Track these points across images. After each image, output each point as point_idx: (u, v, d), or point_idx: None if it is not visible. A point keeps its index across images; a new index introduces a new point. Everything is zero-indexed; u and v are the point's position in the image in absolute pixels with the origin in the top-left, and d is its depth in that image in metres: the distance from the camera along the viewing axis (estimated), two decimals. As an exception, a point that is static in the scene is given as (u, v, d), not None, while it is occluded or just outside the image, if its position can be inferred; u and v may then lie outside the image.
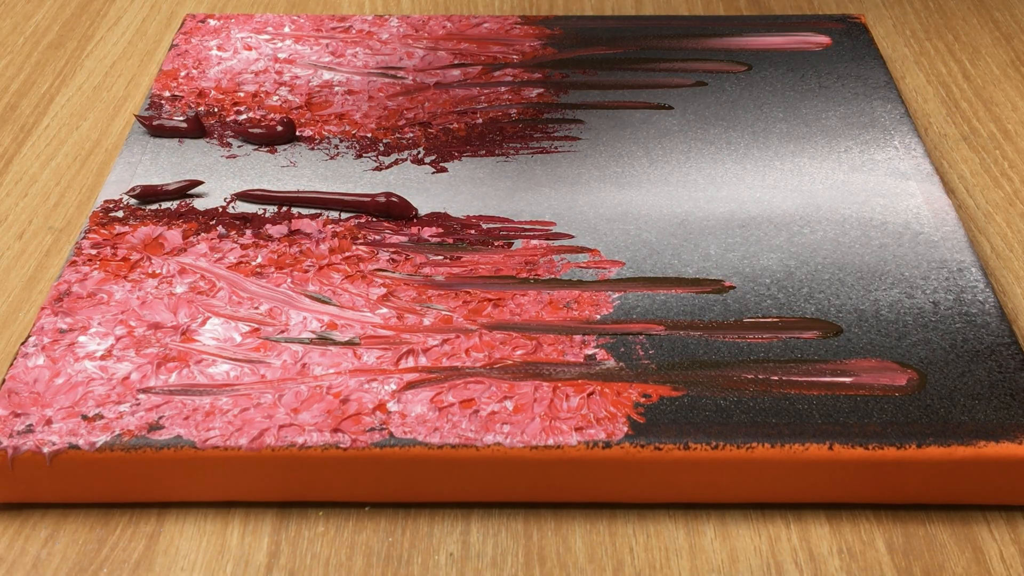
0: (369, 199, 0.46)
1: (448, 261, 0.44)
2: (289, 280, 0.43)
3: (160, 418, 0.38)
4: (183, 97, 0.54)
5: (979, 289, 0.43)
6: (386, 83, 0.55)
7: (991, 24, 0.65)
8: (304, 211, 0.47)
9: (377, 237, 0.45)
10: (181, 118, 0.52)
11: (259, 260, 0.44)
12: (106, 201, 0.47)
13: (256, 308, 0.42)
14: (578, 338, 0.41)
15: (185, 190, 0.47)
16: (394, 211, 0.45)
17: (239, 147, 0.51)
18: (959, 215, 0.48)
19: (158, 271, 0.44)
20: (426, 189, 0.48)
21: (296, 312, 0.42)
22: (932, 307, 0.42)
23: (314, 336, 0.41)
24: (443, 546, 0.37)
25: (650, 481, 0.37)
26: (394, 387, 0.39)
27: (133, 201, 0.47)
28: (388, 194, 0.46)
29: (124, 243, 0.45)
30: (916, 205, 0.47)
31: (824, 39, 0.58)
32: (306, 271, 0.44)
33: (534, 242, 0.45)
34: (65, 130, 0.56)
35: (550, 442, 0.37)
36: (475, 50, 0.57)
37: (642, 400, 0.38)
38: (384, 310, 0.42)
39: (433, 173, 0.49)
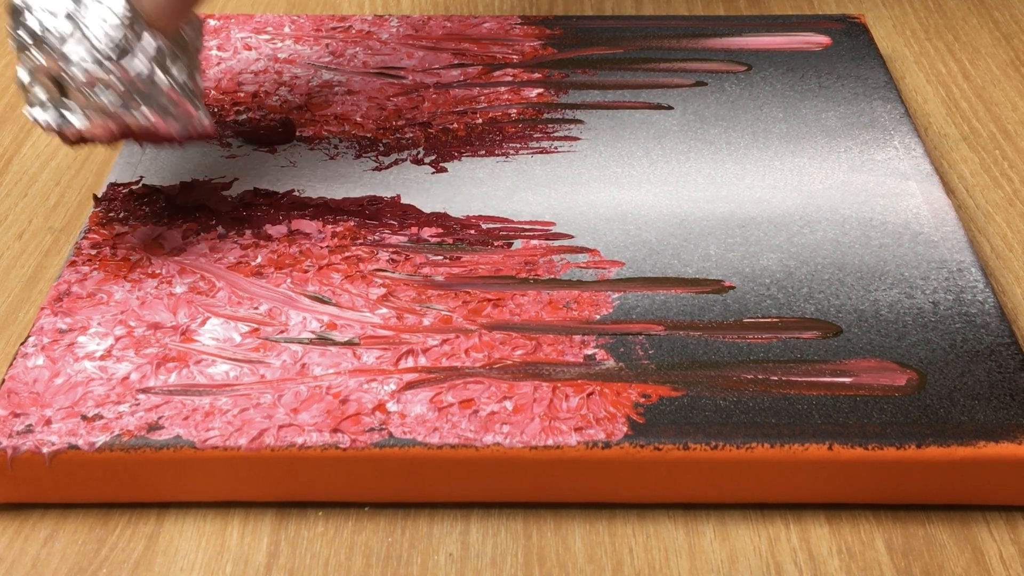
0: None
1: (448, 261, 0.44)
2: (289, 280, 0.43)
3: (160, 418, 0.38)
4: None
5: (979, 289, 0.43)
6: (386, 83, 0.55)
7: (991, 24, 0.65)
8: (303, 210, 0.47)
9: (377, 237, 0.45)
10: None
11: (259, 260, 0.44)
12: (109, 186, 0.47)
13: (256, 308, 0.42)
14: (578, 338, 0.41)
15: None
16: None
17: (239, 147, 0.51)
18: (959, 215, 0.48)
19: (158, 271, 0.44)
20: (426, 189, 0.48)
21: (296, 312, 0.42)
22: (932, 307, 0.42)
23: (314, 336, 0.41)
24: (443, 546, 0.37)
25: (650, 481, 0.37)
26: (394, 387, 0.39)
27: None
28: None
29: (124, 243, 0.45)
30: (916, 205, 0.47)
31: (824, 39, 0.58)
32: (306, 271, 0.44)
33: (534, 242, 0.45)
34: (65, 130, 0.56)
35: (550, 442, 0.37)
36: (475, 50, 0.57)
37: (642, 400, 0.38)
38: (384, 310, 0.42)
39: (433, 173, 0.49)
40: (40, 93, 0.42)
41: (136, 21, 0.41)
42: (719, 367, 0.39)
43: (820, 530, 0.37)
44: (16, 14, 0.41)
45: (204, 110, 0.44)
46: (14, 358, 0.40)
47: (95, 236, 0.45)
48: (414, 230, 0.46)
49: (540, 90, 0.54)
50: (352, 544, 0.37)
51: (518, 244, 0.45)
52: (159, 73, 0.42)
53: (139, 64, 0.41)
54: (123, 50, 0.41)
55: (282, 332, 0.41)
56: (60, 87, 0.41)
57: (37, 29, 0.40)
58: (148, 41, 0.41)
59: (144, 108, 0.42)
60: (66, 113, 0.41)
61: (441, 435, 0.37)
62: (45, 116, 0.42)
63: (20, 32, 0.41)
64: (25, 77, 0.42)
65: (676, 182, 0.48)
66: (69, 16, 0.40)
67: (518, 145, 0.51)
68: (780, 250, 0.45)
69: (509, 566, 0.36)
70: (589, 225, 0.46)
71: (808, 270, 0.44)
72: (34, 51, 0.41)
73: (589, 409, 0.38)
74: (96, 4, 0.41)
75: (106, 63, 0.40)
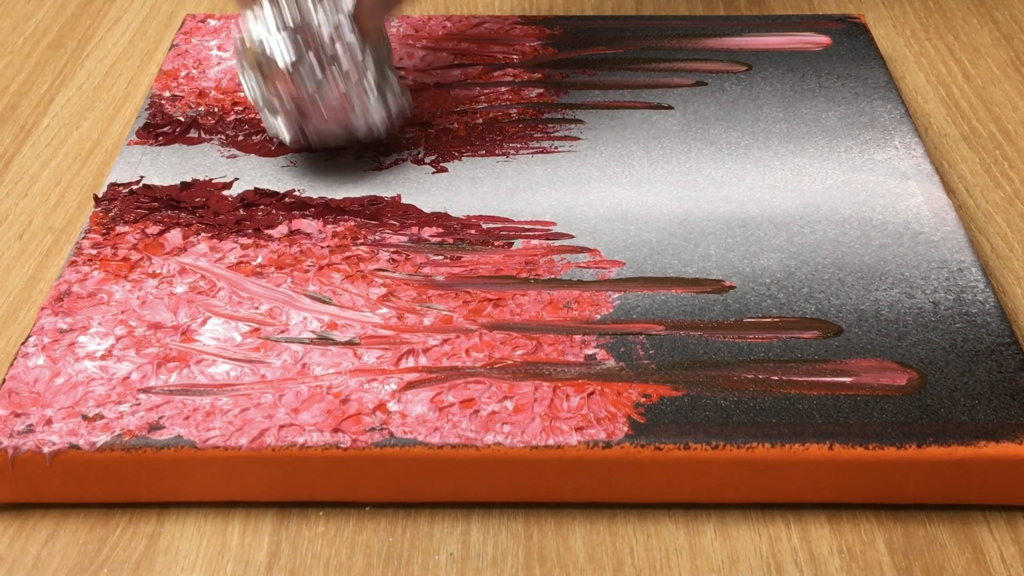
0: None
1: (448, 261, 0.44)
2: (289, 280, 0.43)
3: (160, 418, 0.38)
4: (183, 97, 0.54)
5: (979, 289, 0.43)
6: (386, 83, 0.55)
7: (991, 24, 0.65)
8: (303, 211, 0.47)
9: (377, 237, 0.45)
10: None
11: (259, 260, 0.44)
12: (109, 186, 0.47)
13: (256, 308, 0.42)
14: (578, 338, 0.41)
15: None
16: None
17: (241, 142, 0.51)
18: (959, 215, 0.48)
19: (158, 271, 0.44)
20: (426, 189, 0.48)
21: (296, 312, 0.42)
22: (932, 307, 0.42)
23: (314, 336, 0.41)
24: (443, 546, 0.37)
25: (650, 481, 0.37)
26: (394, 387, 0.39)
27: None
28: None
29: (124, 243, 0.45)
30: (916, 205, 0.47)
31: (824, 39, 0.58)
32: (306, 271, 0.44)
33: (534, 242, 0.45)
34: (65, 130, 0.56)
35: (550, 442, 0.37)
36: (475, 50, 0.57)
37: (642, 400, 0.38)
38: (384, 310, 0.42)
39: (433, 173, 0.49)
40: (282, 115, 0.47)
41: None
42: (719, 367, 0.39)
43: (821, 530, 0.37)
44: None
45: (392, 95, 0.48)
46: (15, 358, 0.40)
47: (95, 236, 0.45)
48: (414, 230, 0.46)
49: (540, 90, 0.54)
50: (353, 544, 0.37)
51: (518, 244, 0.45)
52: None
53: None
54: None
55: (282, 332, 0.41)
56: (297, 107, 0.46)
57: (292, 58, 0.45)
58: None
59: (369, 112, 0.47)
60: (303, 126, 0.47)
61: (442, 435, 0.37)
62: (287, 134, 0.47)
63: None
64: (260, 96, 0.47)
65: (676, 182, 0.48)
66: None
67: (518, 145, 0.51)
68: (780, 250, 0.45)
69: (510, 566, 0.36)
70: (589, 225, 0.46)
71: (808, 270, 0.44)
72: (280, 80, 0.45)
73: (590, 409, 0.38)
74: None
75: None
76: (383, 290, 0.43)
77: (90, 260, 0.44)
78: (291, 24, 0.44)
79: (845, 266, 0.44)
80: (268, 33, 0.45)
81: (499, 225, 0.46)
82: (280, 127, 0.47)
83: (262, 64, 0.45)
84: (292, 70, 0.44)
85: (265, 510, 0.38)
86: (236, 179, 0.49)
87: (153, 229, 0.46)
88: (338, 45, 0.45)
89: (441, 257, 0.44)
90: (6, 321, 0.45)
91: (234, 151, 0.50)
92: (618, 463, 0.37)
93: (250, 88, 0.47)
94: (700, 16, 0.60)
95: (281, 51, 0.44)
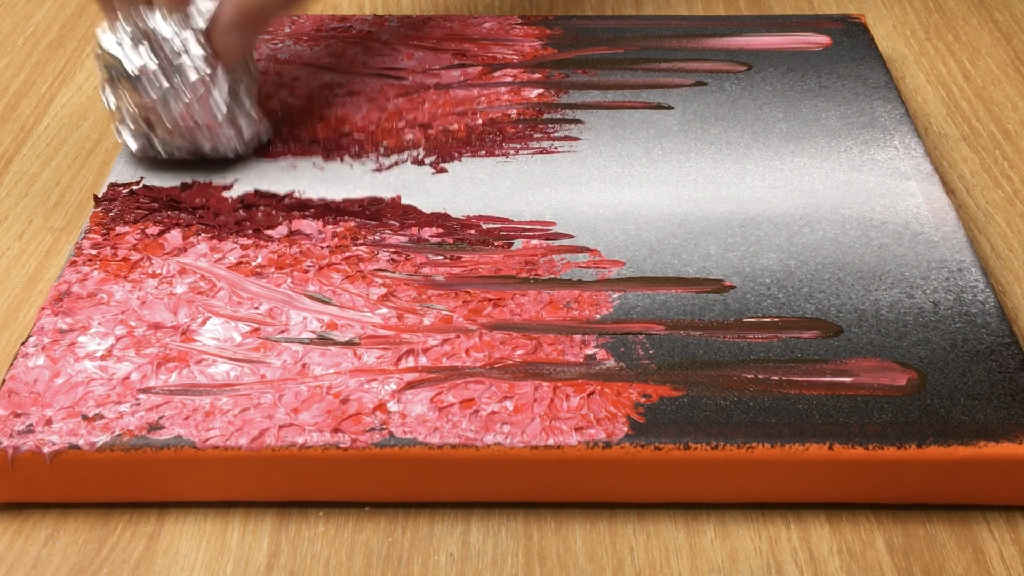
0: None
1: (448, 261, 0.44)
2: (289, 280, 0.43)
3: (160, 418, 0.38)
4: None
5: (979, 289, 0.43)
6: (386, 84, 0.55)
7: (991, 24, 0.65)
8: (303, 211, 0.47)
9: (377, 238, 0.45)
10: None
11: (259, 260, 0.44)
12: (109, 186, 0.47)
13: (256, 308, 0.42)
14: (578, 338, 0.41)
15: None
16: None
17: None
18: (959, 215, 0.48)
19: (158, 271, 0.44)
20: (426, 189, 0.48)
21: (296, 312, 0.42)
22: (932, 307, 0.42)
23: (314, 336, 0.41)
24: (443, 546, 0.37)
25: (650, 481, 0.37)
26: (394, 387, 0.39)
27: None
28: None
29: (124, 243, 0.45)
30: (916, 205, 0.47)
31: (824, 39, 0.58)
32: (306, 271, 0.44)
33: (534, 242, 0.45)
34: (65, 130, 0.56)
35: (550, 442, 0.37)
36: (475, 50, 0.57)
37: (642, 400, 0.38)
38: (384, 310, 0.42)
39: (433, 174, 0.49)
40: (129, 123, 0.48)
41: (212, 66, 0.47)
42: (719, 367, 0.39)
43: (820, 530, 0.37)
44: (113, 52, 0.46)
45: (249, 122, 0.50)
46: (15, 358, 0.40)
47: (95, 236, 0.45)
48: (414, 230, 0.46)
49: (540, 90, 0.54)
50: (353, 544, 0.37)
51: (518, 244, 0.45)
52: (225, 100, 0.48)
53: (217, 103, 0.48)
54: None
55: (282, 332, 0.41)
56: (148, 121, 0.48)
57: (134, 71, 0.46)
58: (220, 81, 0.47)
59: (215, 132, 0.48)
60: (155, 142, 0.48)
61: (442, 435, 0.37)
62: (134, 142, 0.48)
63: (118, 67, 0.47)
64: (114, 104, 0.48)
65: (676, 182, 0.48)
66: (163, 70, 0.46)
67: (518, 145, 0.51)
68: (780, 250, 0.45)
69: (510, 566, 0.36)
70: (589, 225, 0.46)
71: (808, 270, 0.44)
72: (127, 88, 0.47)
73: (590, 409, 0.38)
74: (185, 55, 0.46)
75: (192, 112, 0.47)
76: (383, 290, 0.43)
77: (90, 260, 0.44)
78: (140, 34, 0.46)
79: (845, 266, 0.44)
80: (118, 41, 0.46)
81: (499, 225, 0.46)
82: (127, 136, 0.48)
83: (112, 70, 0.46)
84: (137, 76, 0.46)
85: (265, 510, 0.38)
86: (236, 180, 0.49)
87: (153, 229, 0.46)
88: (184, 58, 0.46)
89: (441, 257, 0.44)
90: (6, 321, 0.45)
91: (234, 151, 0.50)
92: (618, 463, 0.37)
93: (105, 97, 0.48)
94: (700, 16, 0.60)
95: (128, 58, 0.46)
